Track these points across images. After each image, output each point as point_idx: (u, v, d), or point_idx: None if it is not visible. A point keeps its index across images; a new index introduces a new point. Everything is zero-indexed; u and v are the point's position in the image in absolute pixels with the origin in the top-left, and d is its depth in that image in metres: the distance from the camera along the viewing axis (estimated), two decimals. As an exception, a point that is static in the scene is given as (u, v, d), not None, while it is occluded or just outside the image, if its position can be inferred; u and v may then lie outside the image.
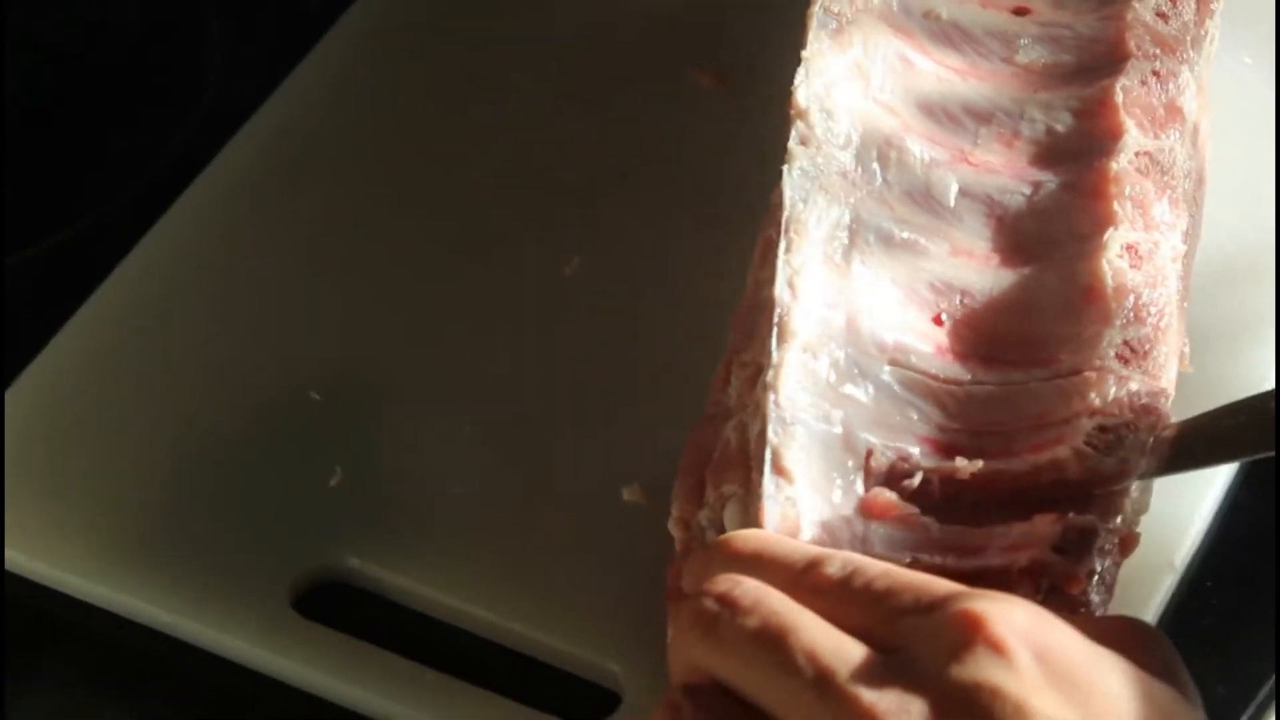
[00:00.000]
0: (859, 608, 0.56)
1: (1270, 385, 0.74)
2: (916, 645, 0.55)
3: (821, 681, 0.54)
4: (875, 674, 0.54)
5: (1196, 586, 0.72)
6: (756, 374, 0.67)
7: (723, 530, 0.65)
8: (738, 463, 0.65)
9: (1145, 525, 0.67)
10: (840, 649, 0.55)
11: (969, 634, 0.54)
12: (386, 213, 0.84)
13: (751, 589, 0.57)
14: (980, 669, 0.53)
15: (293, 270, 0.82)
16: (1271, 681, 0.70)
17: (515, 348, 0.79)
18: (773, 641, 0.55)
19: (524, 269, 0.81)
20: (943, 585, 0.56)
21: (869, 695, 0.53)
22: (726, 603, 0.57)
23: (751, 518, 0.63)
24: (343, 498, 0.75)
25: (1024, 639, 0.54)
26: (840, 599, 0.57)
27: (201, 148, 0.87)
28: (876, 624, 0.56)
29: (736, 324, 0.70)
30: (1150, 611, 0.70)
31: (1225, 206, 0.78)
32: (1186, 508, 0.72)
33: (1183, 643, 0.67)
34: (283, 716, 0.71)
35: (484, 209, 0.84)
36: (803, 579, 0.58)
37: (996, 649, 0.54)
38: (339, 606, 0.73)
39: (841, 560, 0.58)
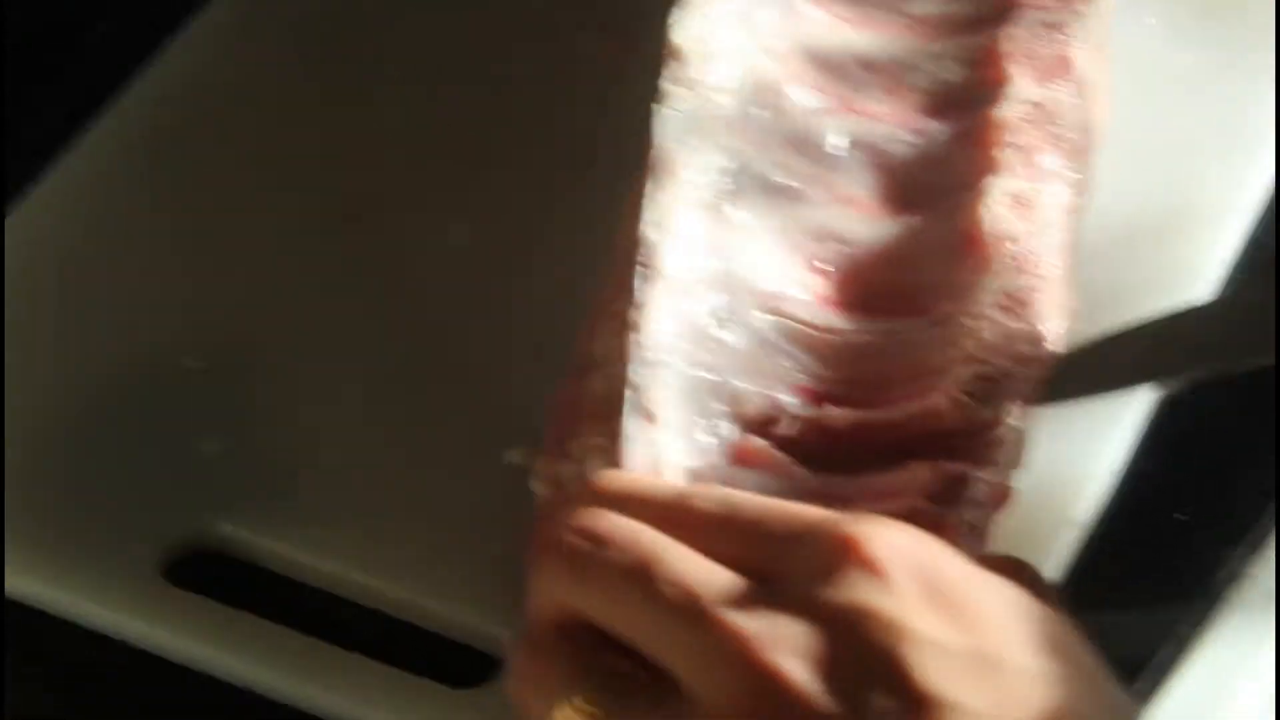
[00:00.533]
0: (730, 539, 0.54)
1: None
2: (790, 571, 0.53)
3: (689, 608, 0.52)
4: (745, 599, 0.52)
5: (1097, 543, 0.69)
6: (624, 325, 0.64)
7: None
8: (603, 413, 0.63)
9: (1043, 481, 0.65)
10: (709, 576, 0.53)
11: (842, 555, 0.52)
12: (266, 182, 0.82)
13: (619, 524, 0.55)
14: (855, 590, 0.51)
15: (168, 238, 0.80)
16: (1173, 644, 0.68)
17: (396, 313, 0.77)
18: (639, 573, 0.53)
19: (403, 235, 0.79)
20: (816, 512, 0.54)
21: (738, 619, 0.51)
22: (592, 538, 0.54)
23: (615, 465, 0.61)
24: (217, 465, 0.72)
25: (901, 560, 0.52)
26: (711, 532, 0.54)
27: (72, 119, 0.84)
28: (749, 554, 0.54)
29: (607, 275, 0.68)
30: (1049, 570, 0.67)
31: (1125, 167, 0.76)
32: (1088, 459, 0.70)
33: (1083, 599, 0.65)
34: (156, 687, 0.69)
35: (363, 176, 0.81)
36: (671, 514, 0.55)
37: (872, 569, 0.52)
38: (213, 575, 0.70)
39: (711, 494, 0.56)
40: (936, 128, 0.70)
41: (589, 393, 0.65)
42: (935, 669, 0.50)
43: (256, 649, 0.68)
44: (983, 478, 0.61)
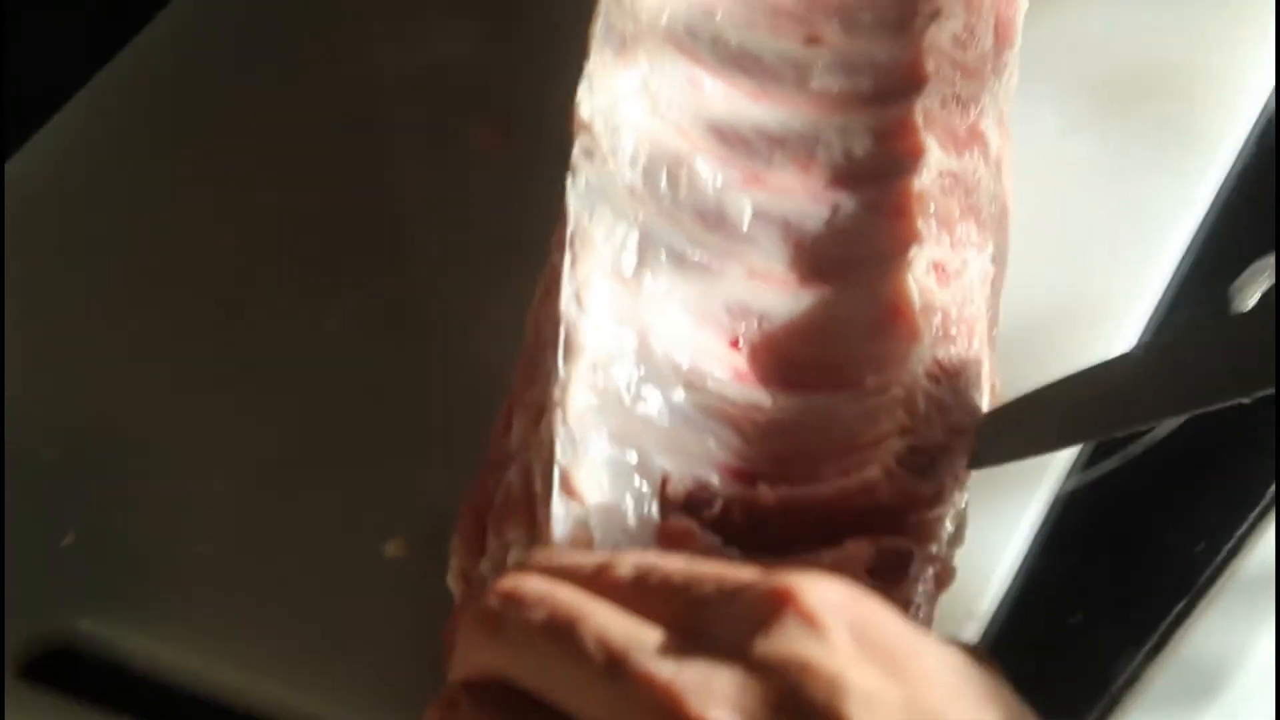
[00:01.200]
0: (659, 601, 0.51)
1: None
2: (722, 626, 0.49)
3: (613, 664, 0.48)
4: (673, 650, 0.49)
5: (1000, 638, 0.67)
6: (540, 414, 0.62)
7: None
8: (521, 507, 0.61)
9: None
10: (634, 632, 0.49)
11: (779, 606, 0.49)
12: (133, 265, 0.79)
13: (538, 584, 0.51)
14: (791, 641, 0.48)
15: (26, 322, 0.77)
16: None
17: (269, 403, 0.74)
18: (561, 631, 0.49)
19: (282, 324, 0.77)
20: (748, 570, 0.51)
21: (665, 671, 0.48)
22: (512, 599, 0.51)
23: None
24: (76, 559, 0.70)
25: (838, 611, 0.49)
26: (638, 595, 0.51)
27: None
28: (679, 614, 0.50)
29: (519, 366, 0.66)
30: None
31: (1033, 257, 0.74)
32: (990, 554, 0.68)
33: None
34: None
35: (243, 264, 0.79)
36: (594, 581, 0.52)
37: (808, 621, 0.49)
38: (73, 674, 0.67)
39: (635, 560, 0.52)
40: (847, 200, 0.68)
41: (505, 486, 0.62)
42: None
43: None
44: (925, 554, 0.58)
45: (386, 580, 0.68)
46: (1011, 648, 0.66)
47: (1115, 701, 0.67)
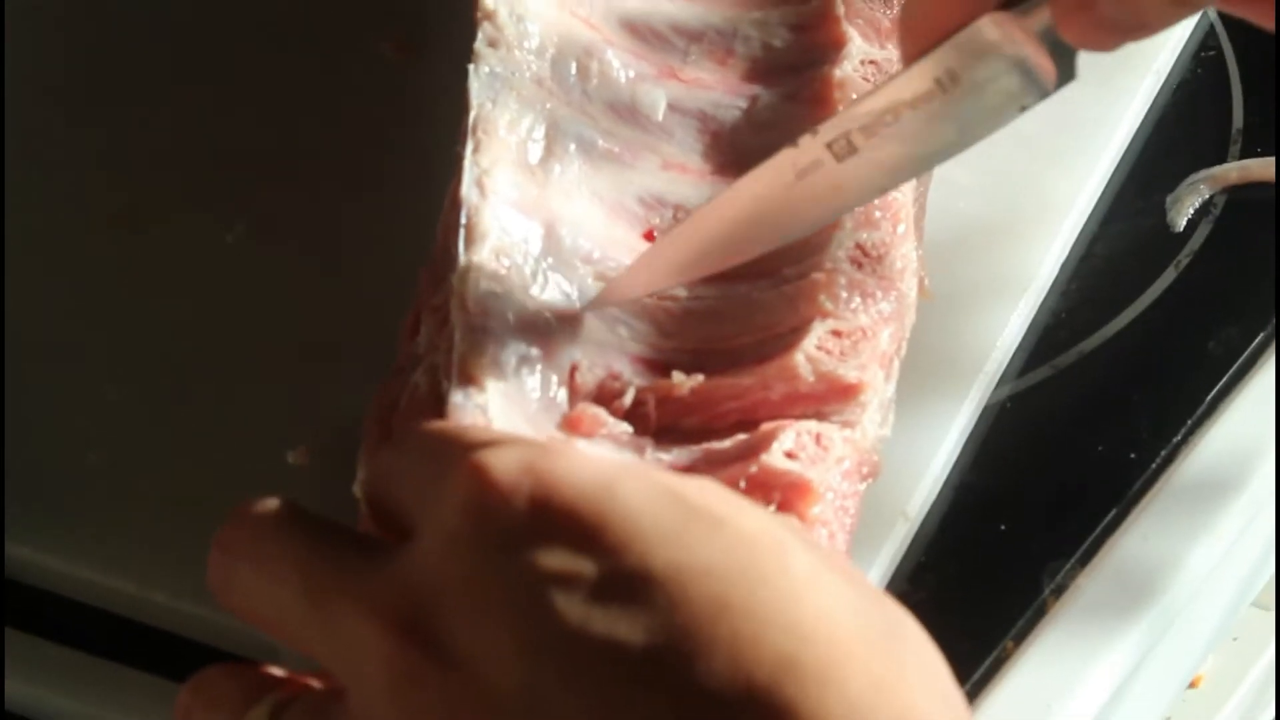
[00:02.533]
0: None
1: (1005, 341, 0.69)
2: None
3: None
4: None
5: (932, 542, 0.66)
6: (446, 319, 0.59)
7: None
8: (428, 408, 0.58)
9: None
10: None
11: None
12: (30, 173, 0.76)
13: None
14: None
15: None
16: (1004, 641, 0.65)
17: (168, 312, 0.72)
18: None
19: (183, 236, 0.74)
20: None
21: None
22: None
23: None
24: None
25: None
26: None
27: None
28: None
29: (426, 270, 0.63)
30: (881, 562, 0.64)
31: (958, 165, 0.71)
32: (923, 452, 0.66)
33: (916, 596, 0.65)
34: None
35: (141, 174, 0.76)
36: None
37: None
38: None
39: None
40: (765, 92, 0.66)
41: (410, 388, 0.59)
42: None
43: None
44: (846, 437, 0.56)
45: (289, 488, 0.63)
46: (942, 553, 0.66)
47: (1044, 609, 0.65)
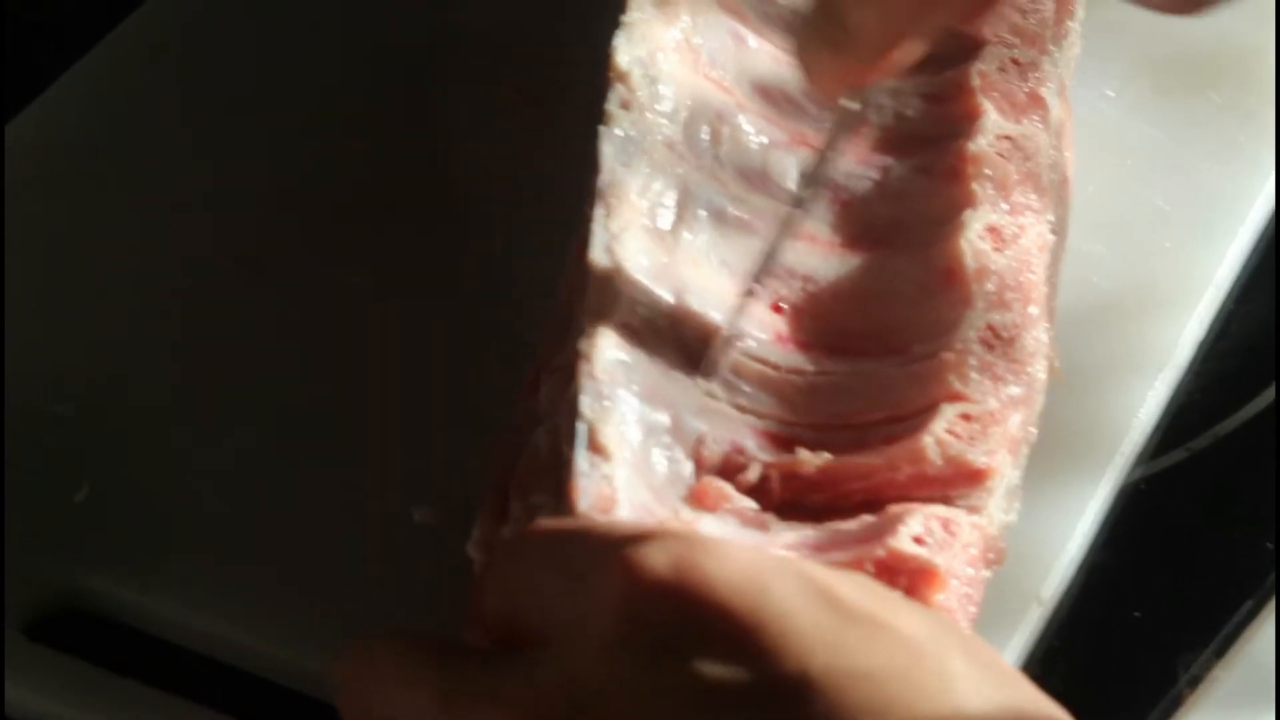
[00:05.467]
0: None
1: (1140, 421, 0.68)
2: None
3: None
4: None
5: (1065, 623, 0.64)
6: (569, 378, 0.59)
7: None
8: (547, 470, 0.57)
9: (1011, 553, 0.58)
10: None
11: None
12: (153, 219, 0.76)
13: None
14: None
15: (41, 276, 0.74)
16: None
17: (292, 361, 0.71)
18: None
19: (308, 283, 0.74)
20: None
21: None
22: None
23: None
24: (87, 516, 0.67)
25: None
26: None
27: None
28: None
29: (547, 329, 0.63)
30: (1014, 646, 0.62)
31: (1093, 239, 0.71)
32: (1056, 535, 0.64)
33: (1048, 682, 0.62)
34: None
35: (265, 221, 0.76)
36: None
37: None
38: (80, 633, 0.65)
39: None
40: (897, 163, 0.65)
41: (531, 450, 0.59)
42: None
43: (124, 712, 0.62)
44: (974, 523, 0.55)
45: (412, 546, 0.65)
46: (1075, 638, 0.65)
47: (1179, 700, 0.64)
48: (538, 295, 0.66)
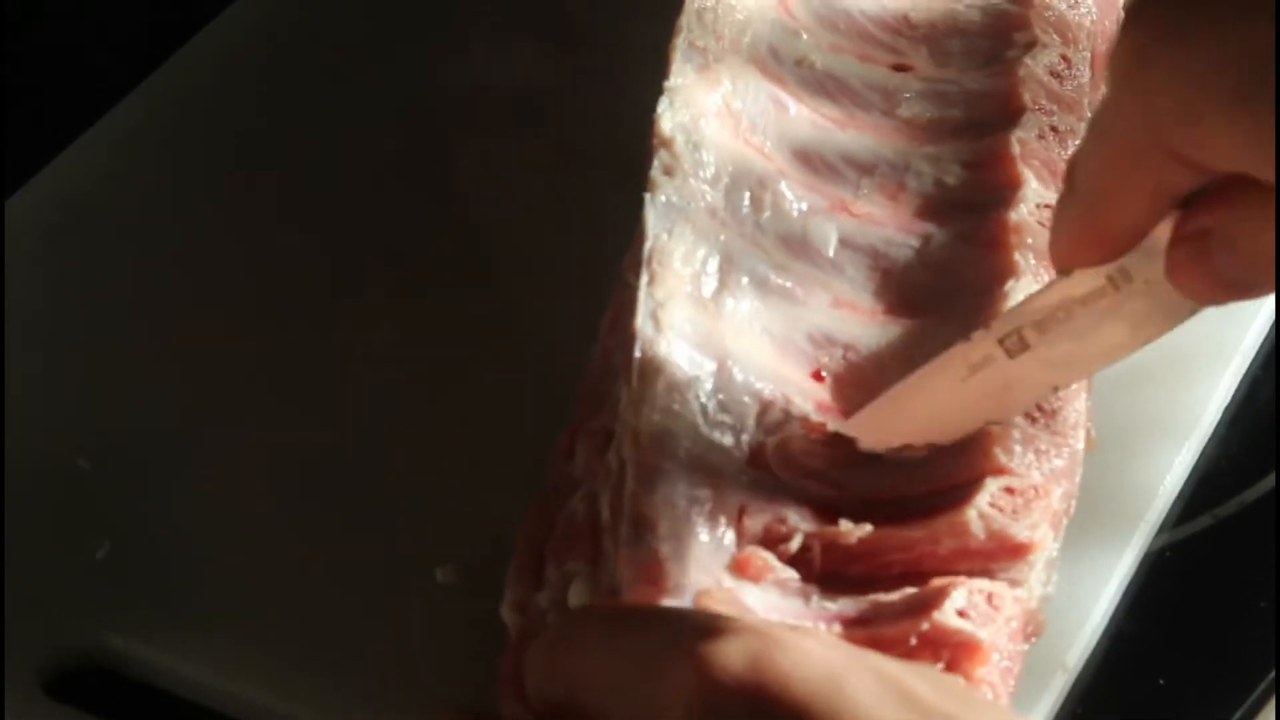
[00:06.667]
0: None
1: (1166, 488, 0.68)
2: None
3: None
4: None
5: (1090, 691, 0.65)
6: (606, 442, 0.59)
7: (566, 611, 0.57)
8: (585, 536, 0.58)
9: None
10: None
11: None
12: (174, 274, 0.76)
13: None
14: None
15: (60, 328, 0.74)
16: None
17: (313, 419, 0.71)
18: None
19: (328, 337, 0.74)
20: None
21: None
22: None
23: (603, 592, 0.55)
24: (108, 573, 0.66)
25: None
26: None
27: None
28: None
29: (583, 393, 0.63)
30: (1039, 714, 0.62)
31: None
32: (1082, 602, 0.64)
33: None
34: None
35: (286, 276, 0.76)
36: None
37: None
38: (101, 691, 0.64)
39: None
40: (938, 231, 0.65)
41: (566, 515, 0.59)
42: None
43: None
44: (1017, 599, 0.55)
45: (436, 606, 0.65)
46: (1100, 706, 0.65)
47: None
48: (562, 355, 0.67)
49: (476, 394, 0.71)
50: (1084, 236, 0.53)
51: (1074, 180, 0.53)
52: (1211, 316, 0.72)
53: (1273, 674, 0.66)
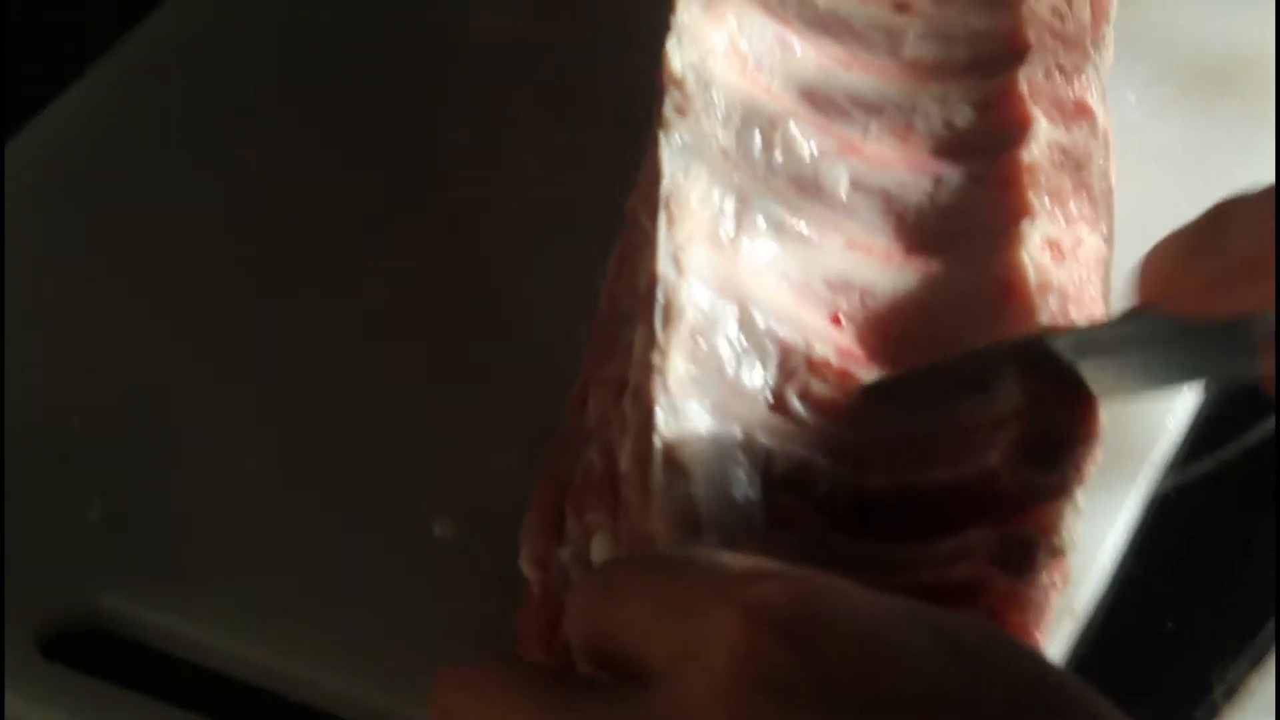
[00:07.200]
0: None
1: (1169, 430, 0.67)
2: None
3: None
4: None
5: (1098, 636, 0.64)
6: (620, 389, 0.58)
7: (588, 565, 0.56)
8: (604, 488, 0.57)
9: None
10: None
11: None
12: (166, 231, 0.75)
13: None
14: None
15: (53, 286, 0.73)
16: None
17: (308, 374, 0.70)
18: None
19: (322, 294, 0.72)
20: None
21: None
22: None
23: (625, 542, 0.54)
24: (102, 533, 0.65)
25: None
26: None
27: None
28: None
29: (592, 341, 0.62)
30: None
31: (1118, 247, 0.70)
32: (1087, 548, 0.63)
33: None
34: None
35: (280, 232, 0.74)
36: None
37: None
38: (98, 652, 0.63)
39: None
40: (950, 171, 0.64)
41: (583, 467, 0.58)
42: None
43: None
44: (1051, 546, 0.54)
45: (435, 560, 0.64)
46: (1108, 651, 0.64)
47: (1215, 712, 0.64)
48: (557, 306, 0.67)
49: (471, 350, 0.70)
50: (1213, 290, 0.52)
51: (1223, 229, 0.51)
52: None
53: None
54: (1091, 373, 0.56)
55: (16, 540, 0.64)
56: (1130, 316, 0.55)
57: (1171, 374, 0.57)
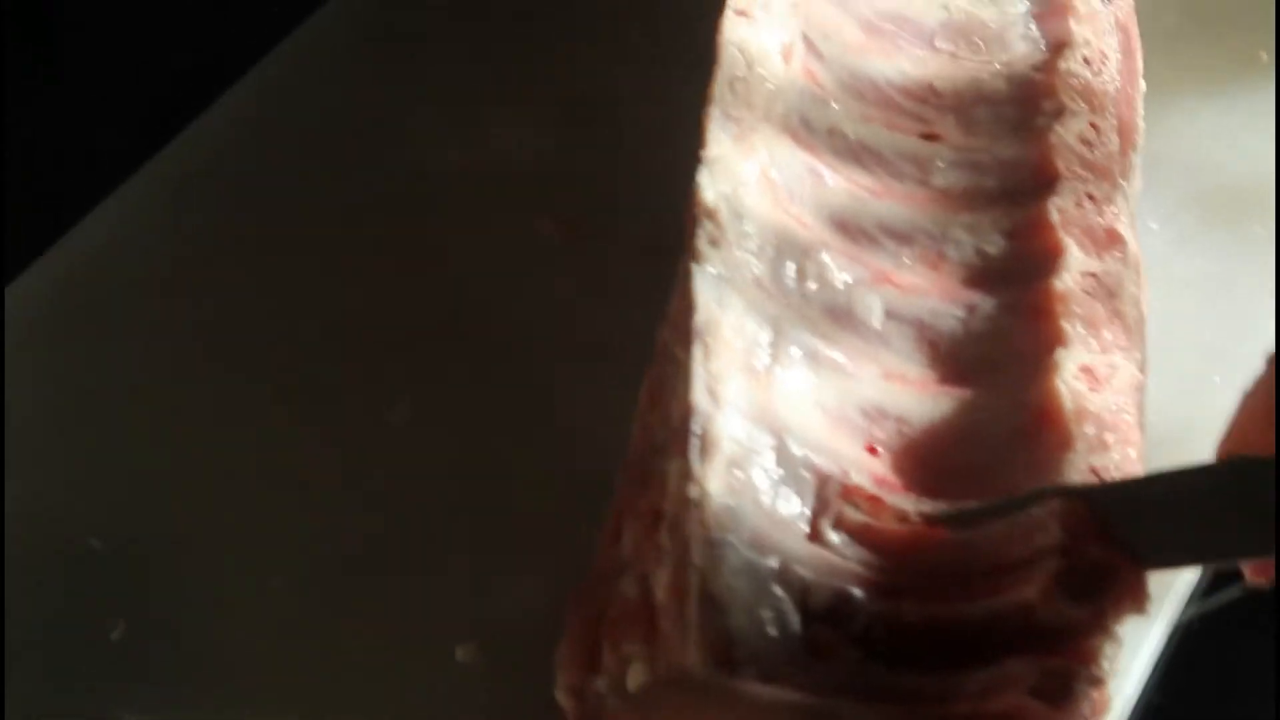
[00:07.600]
0: None
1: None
2: None
3: None
4: None
5: None
6: (655, 521, 0.58)
7: (625, 694, 0.56)
8: (640, 618, 0.57)
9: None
10: None
11: None
12: (185, 354, 0.75)
13: None
14: None
15: (76, 411, 0.74)
16: None
17: (329, 496, 0.70)
18: None
19: (342, 416, 0.73)
20: None
21: None
22: None
23: (662, 673, 0.54)
24: (124, 654, 0.66)
25: None
26: None
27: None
28: None
29: (626, 473, 0.62)
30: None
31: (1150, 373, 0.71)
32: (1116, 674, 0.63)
33: None
34: None
35: (301, 355, 0.75)
36: None
37: None
38: None
39: None
40: (982, 300, 0.64)
41: (619, 598, 0.58)
42: None
43: None
44: (1089, 677, 0.54)
45: (455, 685, 0.64)
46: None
47: None
48: (582, 433, 0.68)
49: (494, 472, 0.70)
50: None
51: None
52: (1232, 385, 0.73)
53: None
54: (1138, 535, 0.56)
55: (37, 659, 0.65)
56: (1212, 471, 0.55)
57: (1220, 542, 0.56)
